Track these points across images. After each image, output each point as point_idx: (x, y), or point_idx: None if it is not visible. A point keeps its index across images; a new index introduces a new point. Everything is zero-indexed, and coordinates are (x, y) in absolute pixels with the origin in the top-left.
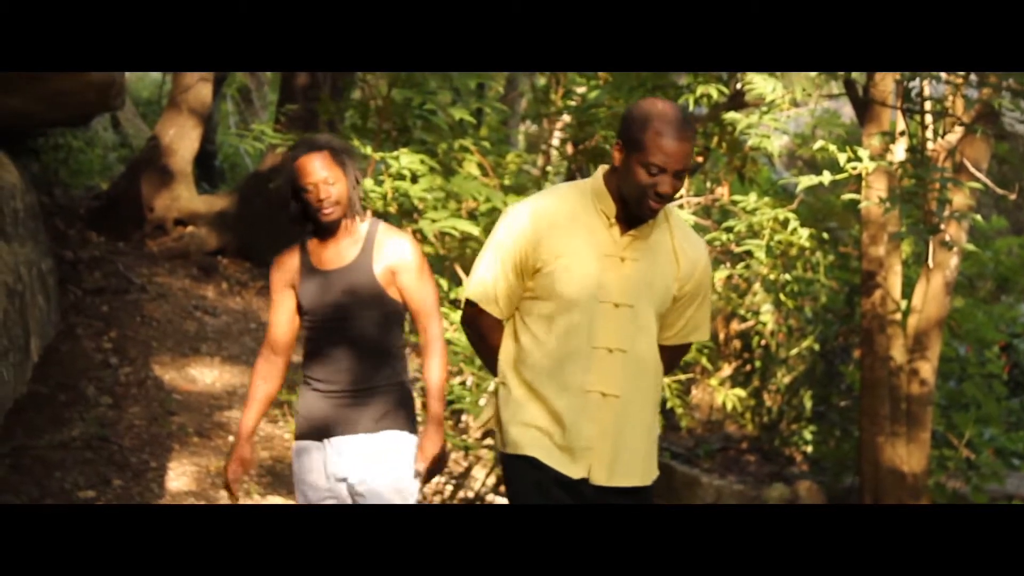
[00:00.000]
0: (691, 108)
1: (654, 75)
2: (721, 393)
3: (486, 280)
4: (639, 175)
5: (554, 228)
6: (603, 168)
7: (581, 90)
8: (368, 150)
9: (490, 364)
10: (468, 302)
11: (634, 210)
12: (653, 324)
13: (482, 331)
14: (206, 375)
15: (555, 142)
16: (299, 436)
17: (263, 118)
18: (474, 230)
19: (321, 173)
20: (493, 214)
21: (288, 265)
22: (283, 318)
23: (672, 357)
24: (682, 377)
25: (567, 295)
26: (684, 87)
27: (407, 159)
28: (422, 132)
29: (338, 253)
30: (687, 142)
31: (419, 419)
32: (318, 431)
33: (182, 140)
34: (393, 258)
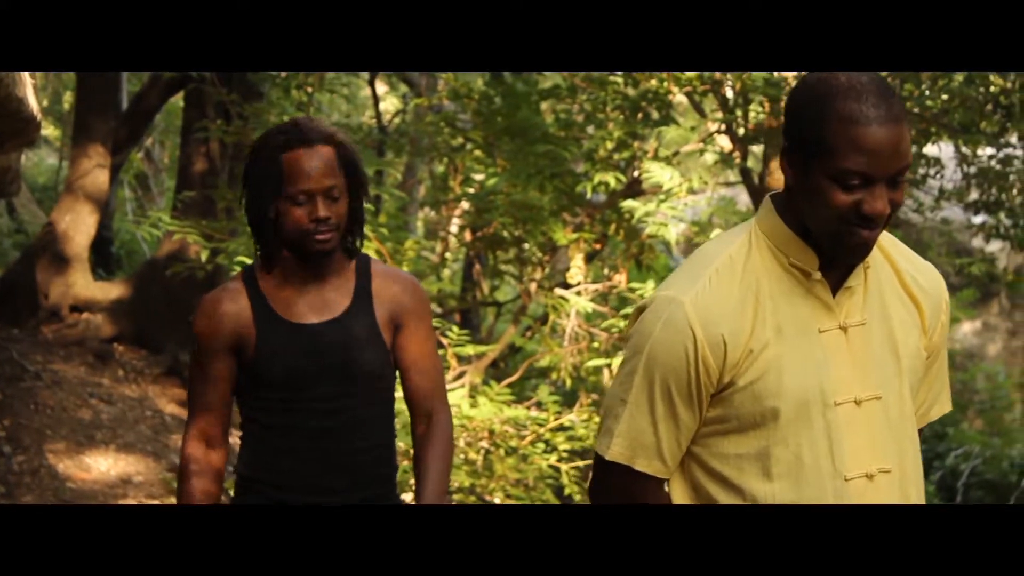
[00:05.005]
0: (588, 195)
1: (552, 162)
2: None
3: (638, 429)
4: (830, 195)
5: (737, 316)
6: (769, 199)
7: (479, 177)
8: None
9: None
10: (607, 467)
11: (831, 251)
12: (912, 412)
13: (634, 503)
14: (101, 463)
15: (454, 229)
16: None
17: (160, 204)
18: None
19: (325, 180)
20: None
21: (230, 315)
22: (221, 394)
23: None
24: (580, 464)
25: (784, 408)
26: (582, 175)
27: None
28: None
29: (322, 298)
30: (898, 123)
31: None
32: None
33: (78, 226)
34: (395, 304)
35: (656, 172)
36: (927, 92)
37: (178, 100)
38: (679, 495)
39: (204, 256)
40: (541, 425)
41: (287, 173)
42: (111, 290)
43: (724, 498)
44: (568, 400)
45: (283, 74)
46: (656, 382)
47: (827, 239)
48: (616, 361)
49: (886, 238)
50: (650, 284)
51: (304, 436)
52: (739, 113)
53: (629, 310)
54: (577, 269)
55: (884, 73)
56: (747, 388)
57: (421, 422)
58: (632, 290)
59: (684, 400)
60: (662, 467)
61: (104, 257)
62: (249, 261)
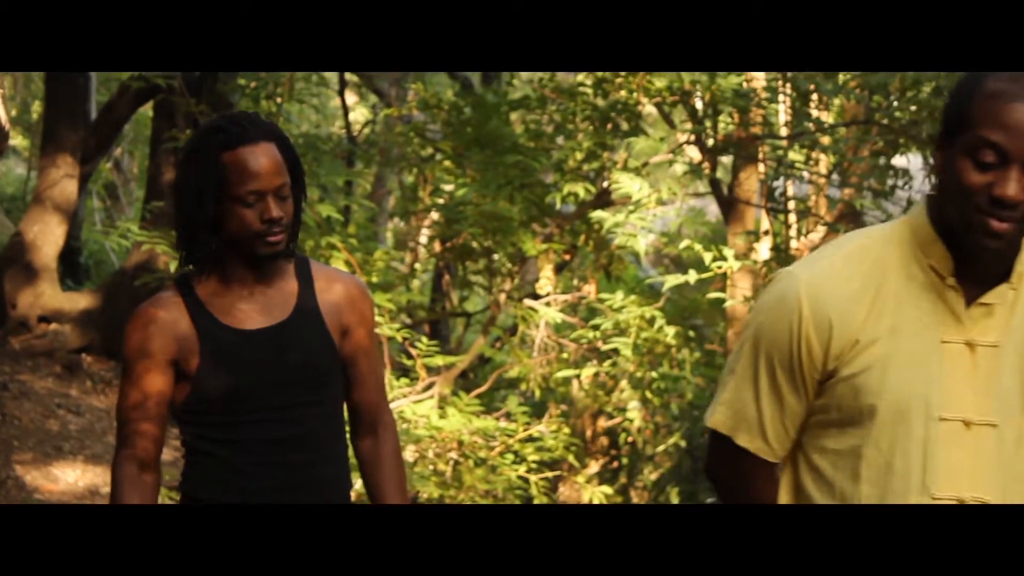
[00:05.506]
0: (558, 206)
1: (521, 173)
2: (588, 490)
3: (741, 400)
4: (964, 173)
5: (851, 302)
6: (925, 198)
7: (449, 187)
8: None
9: None
10: (715, 438)
11: (963, 244)
12: None
13: (741, 483)
14: (68, 474)
15: (423, 239)
16: None
17: (129, 215)
18: None
19: (275, 179)
20: None
21: (167, 326)
22: (157, 414)
23: None
24: (549, 475)
25: (882, 408)
26: (551, 185)
27: None
28: None
29: (266, 301)
30: None
31: None
32: None
33: (47, 236)
34: (341, 305)
35: (625, 183)
36: (895, 103)
37: (147, 110)
38: (784, 484)
39: (173, 267)
40: (510, 436)
41: (232, 173)
42: (79, 300)
43: (817, 493)
44: (537, 411)
45: (252, 84)
46: (761, 355)
47: (959, 228)
48: (585, 372)
49: None
50: (619, 295)
51: (255, 450)
52: (708, 124)
53: (599, 321)
54: (546, 280)
55: (854, 74)
56: (849, 380)
57: (366, 433)
58: (601, 301)
59: (787, 377)
60: (765, 447)
61: (72, 267)
62: None
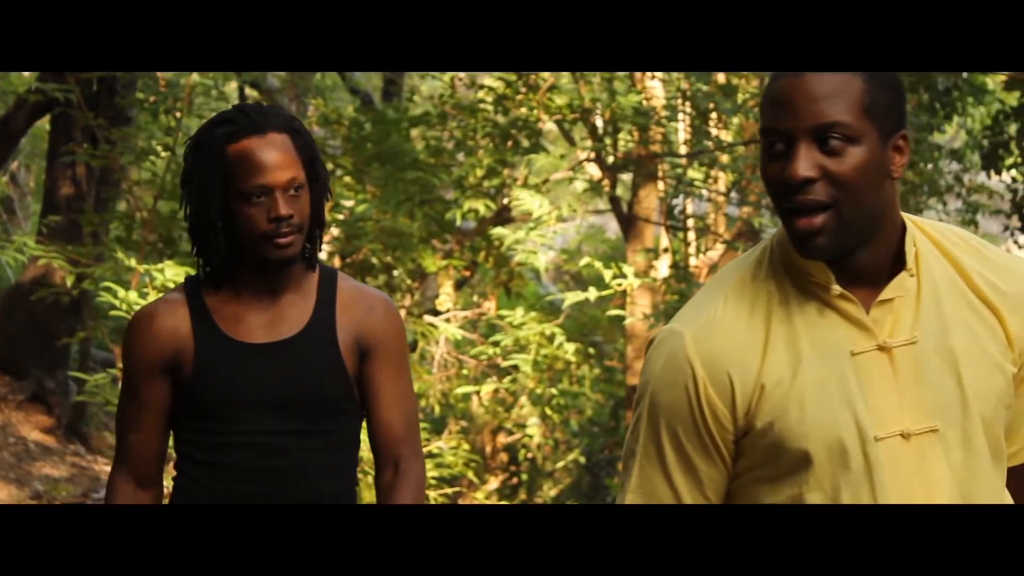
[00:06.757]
0: (458, 223)
1: (422, 189)
2: None
3: (651, 484)
4: (762, 168)
5: (744, 348)
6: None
7: (349, 203)
8: (133, 262)
9: None
10: None
11: (795, 248)
12: (988, 447)
13: None
14: None
15: (323, 255)
16: None
17: (26, 229)
18: None
19: (284, 173)
20: None
21: (166, 330)
22: (155, 426)
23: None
24: (448, 491)
25: (813, 449)
26: (452, 202)
27: (172, 271)
28: (188, 244)
29: (276, 314)
30: (817, 73)
31: None
32: None
33: None
34: (363, 326)
35: (526, 200)
36: None
37: (44, 124)
38: None
39: (70, 281)
40: None
41: (236, 167)
42: None
43: None
44: (437, 427)
45: (152, 98)
46: (662, 428)
47: (790, 237)
48: (485, 388)
49: (947, 234)
50: (519, 311)
51: (243, 477)
52: (608, 142)
53: (499, 337)
54: (446, 296)
55: (753, 93)
56: (767, 431)
57: (388, 469)
58: (501, 317)
59: (696, 447)
60: None
61: None
62: (114, 286)
